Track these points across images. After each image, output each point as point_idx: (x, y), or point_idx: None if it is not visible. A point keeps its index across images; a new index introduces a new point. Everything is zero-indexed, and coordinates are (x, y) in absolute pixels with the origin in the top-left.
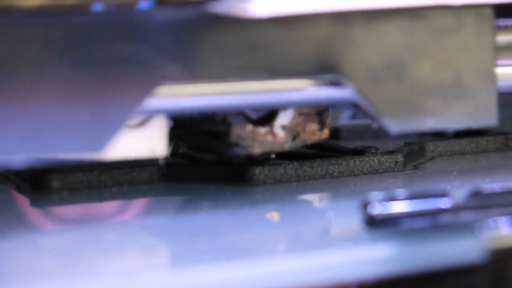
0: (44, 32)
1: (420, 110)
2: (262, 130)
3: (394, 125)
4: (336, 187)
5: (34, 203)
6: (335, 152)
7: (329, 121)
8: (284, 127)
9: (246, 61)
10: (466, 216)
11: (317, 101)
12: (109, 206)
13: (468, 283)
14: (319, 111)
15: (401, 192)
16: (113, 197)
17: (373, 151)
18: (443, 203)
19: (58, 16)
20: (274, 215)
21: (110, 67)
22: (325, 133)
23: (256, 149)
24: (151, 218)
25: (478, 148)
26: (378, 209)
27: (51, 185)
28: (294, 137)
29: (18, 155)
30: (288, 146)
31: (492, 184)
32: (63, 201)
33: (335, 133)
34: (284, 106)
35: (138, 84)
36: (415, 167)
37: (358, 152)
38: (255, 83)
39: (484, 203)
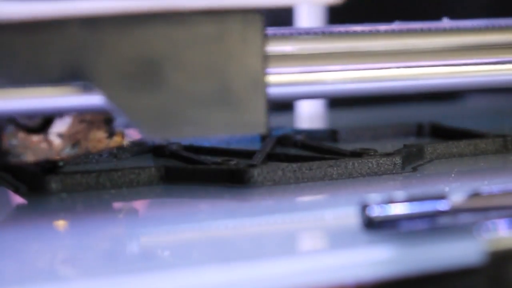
0: None
1: (179, 118)
2: (35, 138)
3: (150, 133)
4: (334, 189)
5: (32, 205)
6: (334, 154)
7: (111, 131)
8: (61, 135)
9: None
10: (464, 218)
11: (68, 109)
12: (107, 207)
13: (466, 285)
14: (107, 119)
15: (399, 194)
16: (112, 199)
17: (372, 154)
18: (442, 205)
19: None
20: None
21: None
22: (116, 140)
23: (30, 157)
24: (149, 220)
25: (477, 150)
26: (376, 211)
27: (49, 187)
28: (74, 144)
29: None
30: (66, 153)
31: (490, 186)
32: (61, 203)
33: (334, 135)
34: (32, 114)
35: None
36: (414, 169)
37: (357, 155)
38: (9, 92)
39: (482, 205)
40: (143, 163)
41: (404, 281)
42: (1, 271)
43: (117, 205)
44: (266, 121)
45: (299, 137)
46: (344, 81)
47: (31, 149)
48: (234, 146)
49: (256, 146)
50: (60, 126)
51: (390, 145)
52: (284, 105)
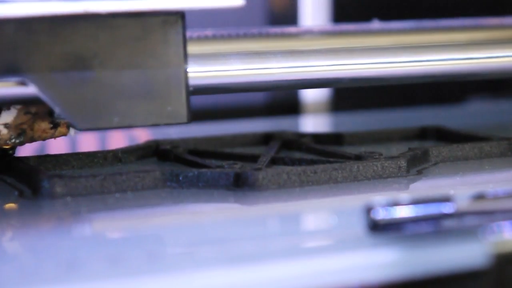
0: None
1: (107, 109)
2: None
3: (80, 123)
4: (339, 193)
5: (36, 208)
6: (339, 157)
7: (55, 122)
8: (7, 125)
9: None
10: (469, 221)
11: (9, 100)
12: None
13: None
14: (51, 111)
15: (404, 197)
16: (116, 202)
17: (376, 157)
18: (447, 208)
19: None
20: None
21: None
22: (60, 131)
23: None
24: (153, 223)
25: (482, 153)
26: (381, 214)
27: (54, 190)
28: (19, 134)
29: None
30: (12, 142)
31: (495, 189)
32: (66, 207)
33: (339, 139)
34: None
35: None
36: (419, 173)
37: (362, 158)
38: None
39: (487, 208)
40: (147, 167)
41: (409, 283)
42: (6, 274)
43: (121, 208)
44: (187, 113)
45: (304, 141)
46: (251, 77)
47: None
48: (239, 150)
49: (260, 150)
50: (6, 117)
51: (395, 149)
52: (289, 109)
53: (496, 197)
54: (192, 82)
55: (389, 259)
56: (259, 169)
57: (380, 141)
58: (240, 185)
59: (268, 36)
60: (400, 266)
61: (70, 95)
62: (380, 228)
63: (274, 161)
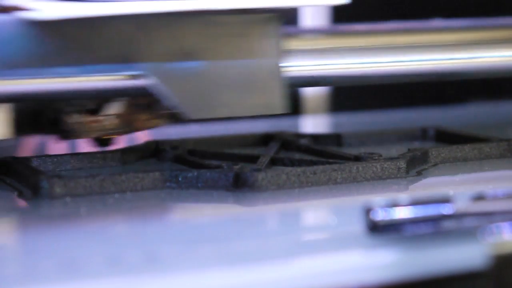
0: None
1: (214, 100)
2: (94, 118)
3: (191, 113)
4: (339, 193)
5: (36, 209)
6: (338, 158)
7: (157, 113)
8: (115, 116)
9: (61, 59)
10: (469, 222)
11: (125, 93)
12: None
13: None
14: (149, 103)
15: (403, 198)
16: (116, 203)
17: (376, 158)
18: (446, 209)
19: None
20: None
21: None
22: (156, 122)
23: (90, 135)
24: (153, 224)
25: (481, 154)
26: (380, 215)
27: (53, 191)
28: (125, 124)
29: None
30: (120, 132)
31: (494, 190)
32: (65, 207)
33: (338, 139)
34: (102, 97)
35: None
36: (418, 174)
37: (361, 159)
38: (71, 79)
39: (487, 209)
40: (147, 167)
41: (408, 284)
42: (5, 274)
43: (121, 209)
44: (282, 104)
45: (303, 141)
46: (346, 72)
47: (92, 128)
48: (238, 150)
49: (260, 150)
50: (115, 109)
51: (394, 150)
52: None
53: (495, 198)
54: (287, 75)
55: (388, 260)
56: (259, 169)
57: (379, 142)
58: (239, 186)
59: (353, 32)
60: (399, 267)
61: (181, 87)
62: (380, 229)
63: (273, 162)
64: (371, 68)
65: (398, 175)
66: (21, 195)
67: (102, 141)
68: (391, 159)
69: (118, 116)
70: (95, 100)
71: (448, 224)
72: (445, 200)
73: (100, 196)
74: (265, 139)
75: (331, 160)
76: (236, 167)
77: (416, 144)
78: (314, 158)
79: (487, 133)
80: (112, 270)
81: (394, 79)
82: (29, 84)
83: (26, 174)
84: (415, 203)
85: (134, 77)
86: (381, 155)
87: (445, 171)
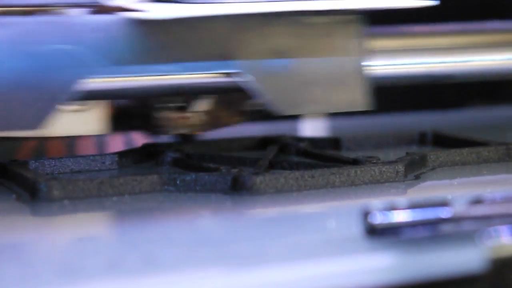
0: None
1: (303, 97)
2: (183, 114)
3: (281, 109)
4: (337, 197)
5: (34, 212)
6: (336, 162)
7: (241, 110)
8: (202, 113)
9: (161, 57)
10: (467, 225)
11: (219, 90)
12: (109, 214)
13: None
14: (231, 101)
15: (401, 201)
16: (114, 206)
17: (374, 161)
18: (444, 213)
19: (11, 17)
20: None
21: (48, 62)
22: (236, 119)
23: (179, 130)
24: (151, 227)
25: (480, 158)
26: (378, 218)
27: (52, 194)
28: (210, 121)
29: None
30: (205, 128)
31: (493, 194)
32: (63, 210)
33: (337, 143)
34: (197, 94)
35: (70, 77)
36: (416, 177)
37: (359, 162)
38: (170, 77)
39: (485, 213)
40: (145, 171)
41: None
42: (4, 276)
43: (119, 212)
44: (365, 101)
45: (301, 145)
46: (420, 70)
47: (181, 124)
48: (237, 154)
49: (258, 154)
50: (201, 106)
51: (392, 153)
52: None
53: (493, 202)
54: (371, 73)
55: (386, 263)
56: (257, 173)
57: (378, 146)
58: (237, 189)
59: (433, 32)
60: (397, 270)
61: (272, 84)
62: (378, 233)
63: (272, 165)
64: (453, 67)
65: (396, 179)
66: (19, 197)
67: (187, 137)
68: (389, 162)
69: (205, 113)
70: (187, 97)
71: (446, 228)
72: (443, 203)
73: (98, 199)
74: (264, 142)
75: (329, 164)
76: (234, 170)
77: (414, 148)
78: (312, 162)
79: (486, 137)
80: (110, 273)
81: (477, 77)
82: (130, 81)
83: (25, 177)
84: (413, 206)
85: (228, 75)
86: (379, 159)
87: (443, 175)
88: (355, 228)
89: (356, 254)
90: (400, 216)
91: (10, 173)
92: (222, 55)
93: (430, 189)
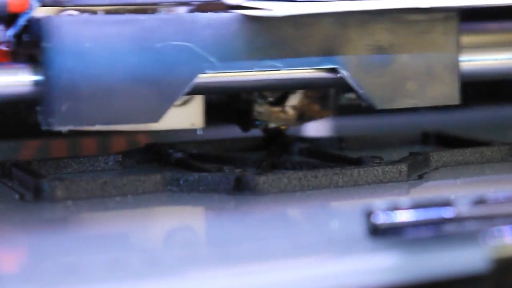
0: (119, 28)
1: (400, 92)
2: (276, 109)
3: (379, 103)
4: (340, 197)
5: (37, 212)
6: (340, 162)
7: (329, 104)
8: (293, 107)
9: (267, 54)
10: (470, 225)
11: (320, 84)
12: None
13: None
14: (321, 96)
15: (405, 201)
16: (117, 206)
17: (377, 161)
18: (447, 213)
19: (130, 15)
20: None
21: (166, 58)
22: (326, 113)
23: (271, 124)
24: (154, 227)
25: (483, 158)
26: (381, 218)
27: (55, 194)
28: (301, 115)
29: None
30: (296, 122)
31: (496, 194)
32: (66, 210)
33: (340, 143)
34: (298, 89)
35: (186, 72)
36: (419, 177)
37: (363, 162)
38: (274, 72)
39: (488, 213)
40: (148, 171)
41: None
42: (6, 277)
43: (122, 212)
44: (458, 96)
45: (304, 145)
46: None
47: (273, 117)
48: (240, 154)
49: (261, 154)
50: (293, 100)
51: (395, 153)
52: None
53: (496, 202)
54: (463, 69)
55: (389, 263)
56: (260, 173)
57: (381, 146)
58: (240, 189)
59: None
60: (400, 270)
61: (372, 80)
62: (381, 233)
63: (275, 165)
64: None
65: (400, 179)
66: (22, 198)
67: (275, 132)
68: (392, 162)
69: (295, 107)
70: (281, 91)
71: (449, 228)
72: (446, 203)
73: (101, 199)
74: (267, 142)
75: (332, 164)
76: (238, 170)
77: (417, 148)
78: (315, 162)
79: (489, 137)
80: (113, 274)
81: None
82: (236, 76)
83: (28, 177)
84: (416, 206)
85: (330, 70)
86: (382, 159)
87: (447, 175)
88: (358, 228)
89: (359, 254)
90: (403, 216)
91: (13, 173)
92: (324, 51)
93: (433, 189)
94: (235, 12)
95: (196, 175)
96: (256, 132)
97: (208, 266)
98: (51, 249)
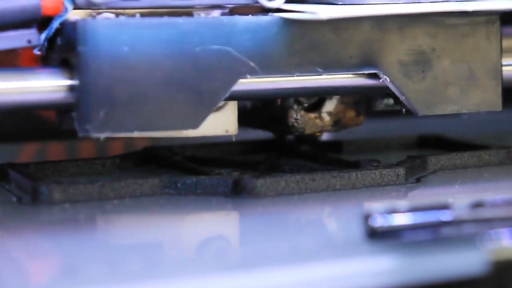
0: (157, 31)
1: (442, 97)
2: (312, 115)
3: (421, 110)
4: (338, 200)
5: (35, 215)
6: (337, 165)
7: (363, 111)
8: (329, 113)
9: (307, 58)
10: (468, 228)
11: (360, 90)
12: (110, 218)
13: None
14: (356, 101)
15: (402, 204)
16: (115, 209)
17: (375, 165)
18: (445, 216)
19: (167, 18)
20: None
21: (205, 62)
22: (361, 119)
23: (307, 130)
24: (152, 230)
25: (480, 161)
26: (379, 221)
27: (52, 197)
28: (336, 121)
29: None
30: (332, 129)
31: (493, 197)
32: (64, 213)
33: (338, 146)
34: (338, 94)
35: (226, 77)
36: (417, 181)
37: (360, 166)
38: (313, 76)
39: (486, 216)
40: (146, 174)
41: None
42: (4, 280)
43: (119, 215)
44: (501, 102)
45: (302, 148)
46: None
47: (309, 124)
48: (237, 157)
49: (259, 157)
50: (329, 106)
51: (393, 157)
52: None
53: (494, 205)
54: (505, 74)
55: (387, 266)
56: (258, 176)
57: (378, 149)
58: (238, 192)
59: None
60: (398, 273)
61: (413, 85)
62: (378, 236)
63: (272, 168)
64: None
65: (397, 182)
66: (20, 201)
67: (309, 138)
68: (390, 166)
69: (331, 113)
70: (316, 98)
71: (447, 231)
72: (444, 206)
73: (99, 202)
74: (265, 145)
75: (330, 167)
76: (235, 173)
77: (415, 152)
78: (313, 165)
79: (486, 141)
80: (111, 277)
81: None
82: (273, 82)
83: (25, 180)
84: (414, 209)
85: (369, 75)
86: (380, 162)
87: (444, 178)
88: (356, 231)
89: (356, 257)
90: (401, 219)
91: (11, 176)
92: (364, 56)
93: (431, 192)
94: (274, 15)
95: (193, 178)
96: (254, 135)
97: (206, 270)
98: (48, 252)
